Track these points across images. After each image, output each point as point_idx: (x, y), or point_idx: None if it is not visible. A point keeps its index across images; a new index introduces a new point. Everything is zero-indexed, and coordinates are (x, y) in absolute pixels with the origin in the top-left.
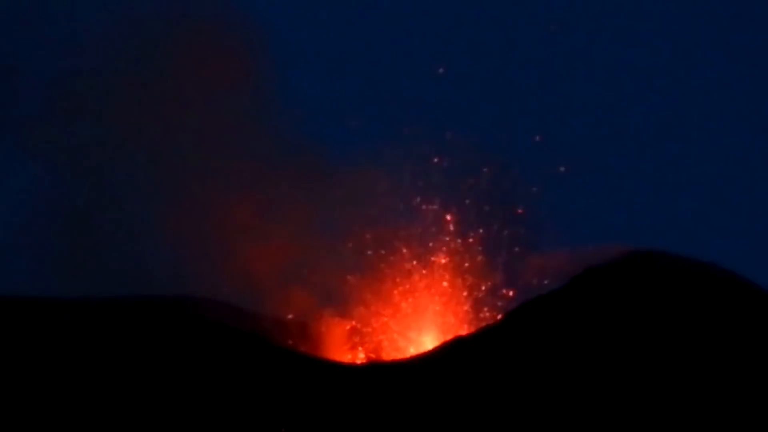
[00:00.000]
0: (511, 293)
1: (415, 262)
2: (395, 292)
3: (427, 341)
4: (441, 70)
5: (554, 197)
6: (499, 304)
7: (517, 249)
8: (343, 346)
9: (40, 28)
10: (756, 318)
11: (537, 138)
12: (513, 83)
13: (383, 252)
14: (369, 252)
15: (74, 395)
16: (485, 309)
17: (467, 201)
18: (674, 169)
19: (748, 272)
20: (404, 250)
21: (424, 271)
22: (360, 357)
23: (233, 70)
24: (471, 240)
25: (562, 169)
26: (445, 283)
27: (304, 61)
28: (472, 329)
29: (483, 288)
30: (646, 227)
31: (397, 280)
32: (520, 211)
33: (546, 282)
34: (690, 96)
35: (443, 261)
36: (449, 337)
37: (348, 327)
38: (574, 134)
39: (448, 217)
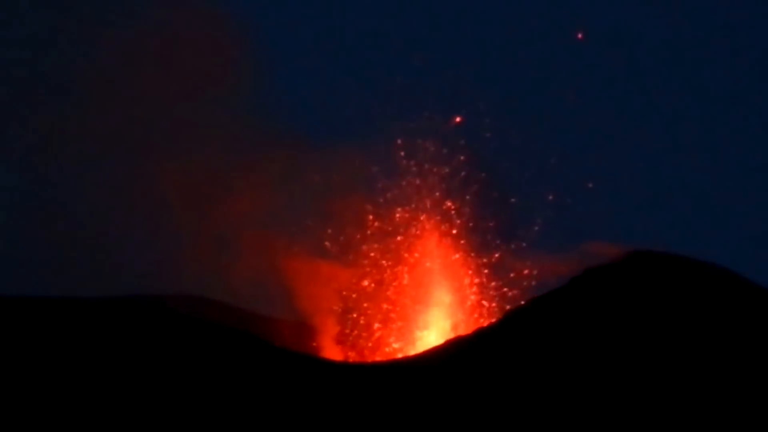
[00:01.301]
0: (511, 293)
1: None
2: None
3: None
4: (421, 58)
5: (554, 197)
6: (499, 303)
7: (517, 248)
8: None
9: (21, 26)
10: (755, 317)
11: (552, 160)
12: (512, 82)
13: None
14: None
15: (69, 395)
16: (486, 308)
17: (467, 197)
18: (674, 169)
19: (748, 272)
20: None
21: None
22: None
23: (216, 62)
24: (471, 240)
25: (590, 184)
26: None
27: (289, 55)
28: (472, 329)
29: (482, 286)
30: (646, 227)
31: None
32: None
33: (546, 282)
34: (690, 97)
35: (450, 257)
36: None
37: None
38: (574, 134)
39: (449, 204)
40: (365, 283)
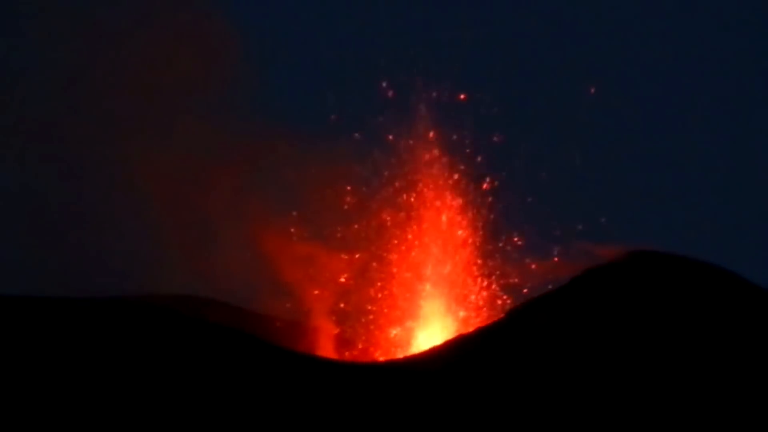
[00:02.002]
0: (510, 292)
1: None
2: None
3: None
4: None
5: (555, 198)
6: (500, 303)
7: (517, 249)
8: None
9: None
10: (756, 317)
11: (576, 160)
12: (512, 80)
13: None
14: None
15: (68, 395)
16: (484, 307)
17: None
18: (674, 169)
19: (748, 272)
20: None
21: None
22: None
23: (200, 58)
24: (470, 241)
25: (602, 219)
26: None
27: (278, 51)
28: (473, 328)
29: (480, 284)
30: (646, 227)
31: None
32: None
33: (546, 282)
34: (691, 97)
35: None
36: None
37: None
38: (573, 134)
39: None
40: (342, 279)
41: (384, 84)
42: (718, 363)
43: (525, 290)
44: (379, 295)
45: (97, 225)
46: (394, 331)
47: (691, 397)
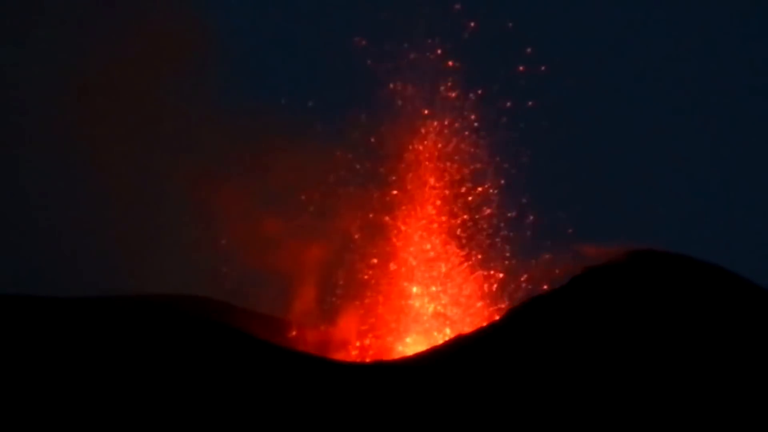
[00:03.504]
0: (511, 291)
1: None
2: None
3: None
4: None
5: (555, 198)
6: (497, 303)
7: (517, 248)
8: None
9: None
10: (756, 317)
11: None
12: (507, 77)
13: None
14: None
15: (66, 394)
16: (486, 307)
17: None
18: (674, 169)
19: (748, 272)
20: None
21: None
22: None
23: (185, 54)
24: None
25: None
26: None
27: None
28: (472, 328)
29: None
30: (646, 227)
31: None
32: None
33: (545, 282)
34: (691, 97)
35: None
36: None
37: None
38: (574, 134)
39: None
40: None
41: (357, 38)
42: (718, 363)
43: (524, 290)
44: (368, 292)
45: (92, 224)
46: (369, 326)
47: (691, 396)
